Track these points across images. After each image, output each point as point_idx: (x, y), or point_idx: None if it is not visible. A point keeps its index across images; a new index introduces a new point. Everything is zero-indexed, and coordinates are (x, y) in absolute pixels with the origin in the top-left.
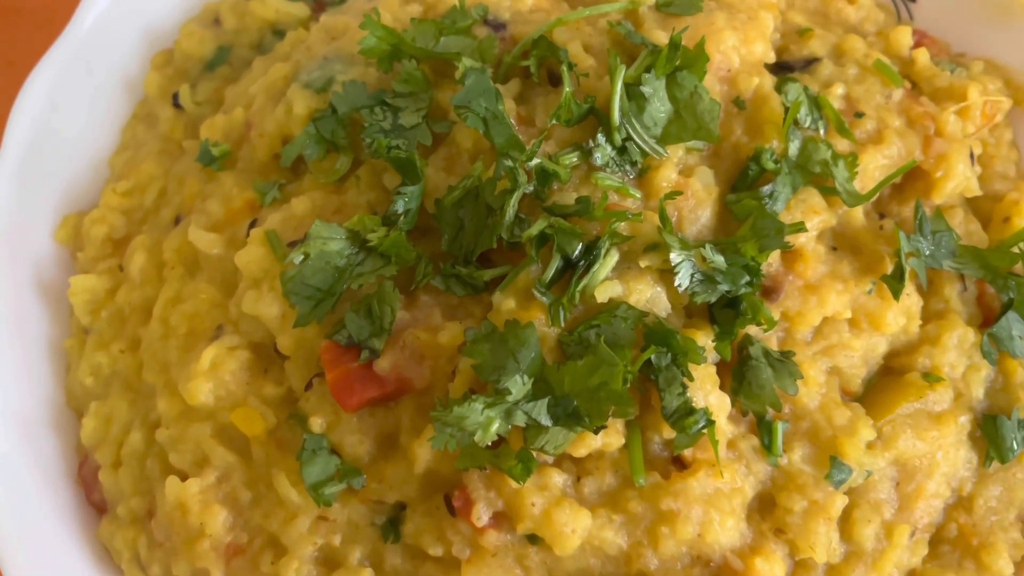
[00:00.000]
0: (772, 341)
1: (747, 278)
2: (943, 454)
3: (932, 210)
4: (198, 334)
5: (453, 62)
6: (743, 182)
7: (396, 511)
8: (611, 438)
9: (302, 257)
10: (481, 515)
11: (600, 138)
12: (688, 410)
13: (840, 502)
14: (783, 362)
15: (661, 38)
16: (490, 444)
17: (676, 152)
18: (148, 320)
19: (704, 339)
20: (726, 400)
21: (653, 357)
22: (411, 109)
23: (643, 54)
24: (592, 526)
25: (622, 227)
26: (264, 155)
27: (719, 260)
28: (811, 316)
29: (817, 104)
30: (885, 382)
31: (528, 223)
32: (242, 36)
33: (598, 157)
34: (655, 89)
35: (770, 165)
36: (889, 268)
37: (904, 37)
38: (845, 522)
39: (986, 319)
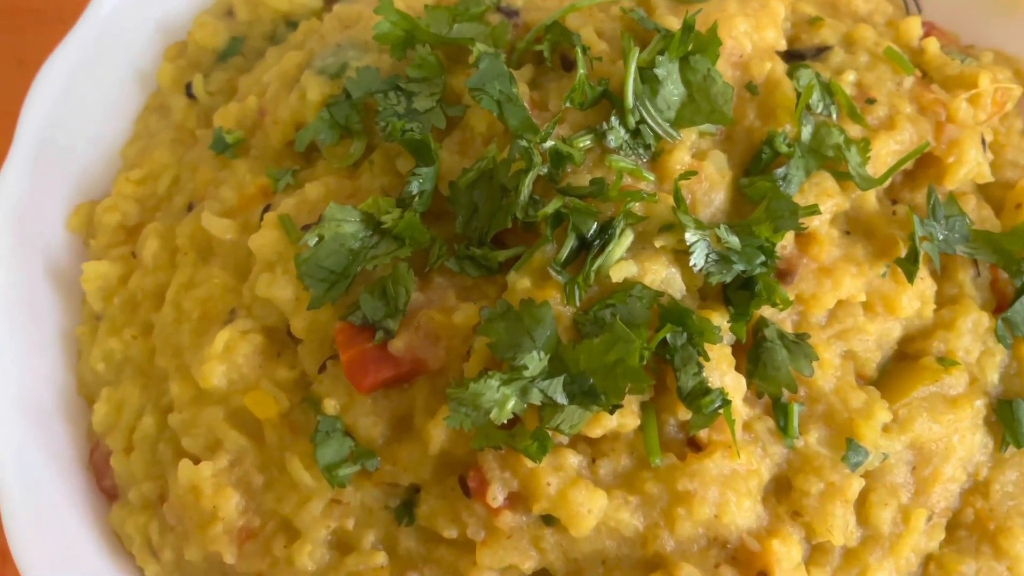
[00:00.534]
0: (787, 325)
1: (762, 258)
2: (959, 438)
3: (944, 196)
4: (211, 318)
5: (467, 48)
6: (756, 166)
7: (410, 494)
8: (626, 419)
9: (316, 239)
10: (496, 495)
11: (614, 121)
12: (704, 390)
13: (857, 485)
14: (798, 344)
15: (673, 24)
16: (505, 424)
17: (689, 136)
18: (161, 306)
19: (719, 320)
20: (742, 381)
21: (668, 336)
22: (425, 94)
23: (656, 38)
24: (608, 507)
25: (637, 207)
26: (278, 142)
27: (734, 240)
28: (826, 299)
29: (829, 90)
30: (900, 367)
31: (542, 204)
32: (255, 27)
33: (612, 140)
34: (668, 72)
35: (783, 148)
36: (903, 252)
37: (914, 27)
38: (862, 506)
39: (1000, 304)
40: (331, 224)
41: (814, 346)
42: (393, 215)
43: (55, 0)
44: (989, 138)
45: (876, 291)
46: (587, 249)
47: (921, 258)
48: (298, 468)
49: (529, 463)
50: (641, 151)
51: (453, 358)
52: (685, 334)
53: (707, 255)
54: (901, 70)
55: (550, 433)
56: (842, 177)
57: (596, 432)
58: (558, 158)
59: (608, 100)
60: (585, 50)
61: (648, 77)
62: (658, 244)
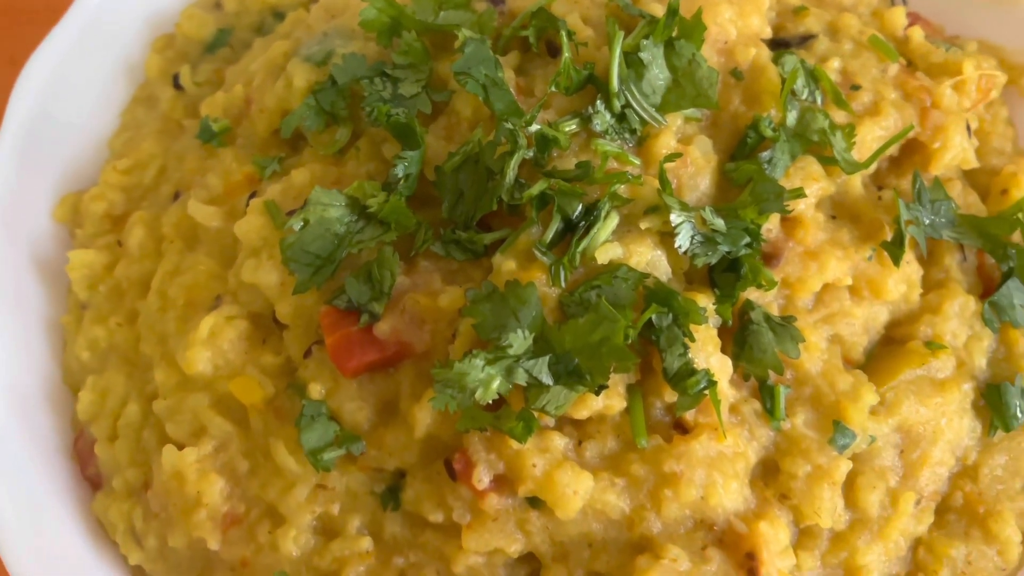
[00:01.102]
0: (773, 308)
1: (747, 239)
2: (947, 421)
3: (930, 181)
4: (196, 305)
5: (453, 35)
6: (742, 151)
7: (396, 479)
8: (612, 400)
9: (301, 224)
10: (482, 477)
11: (599, 105)
12: (690, 371)
13: (844, 467)
14: (785, 326)
15: (658, 10)
16: (491, 405)
17: (675, 121)
18: (146, 294)
19: (705, 301)
20: (728, 363)
21: (654, 317)
22: (411, 79)
23: (641, 24)
24: (594, 489)
25: (622, 190)
26: (264, 130)
27: (719, 223)
28: (812, 282)
29: (814, 76)
30: (887, 351)
31: (528, 187)
32: (243, 19)
33: (597, 124)
34: (653, 56)
35: (768, 133)
36: (889, 236)
37: (899, 17)
38: (850, 489)
39: (986, 289)
40: (316, 208)
41: (800, 329)
42: (378, 199)
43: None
44: (974, 125)
45: (862, 275)
46: (572, 231)
47: (907, 242)
48: (283, 454)
49: (515, 444)
50: (627, 136)
51: (439, 341)
52: (670, 315)
53: (692, 237)
54: (886, 57)
55: (536, 414)
56: (827, 162)
57: (582, 413)
58: (544, 142)
59: (594, 85)
60: (571, 35)
61: (633, 62)
62: (643, 226)
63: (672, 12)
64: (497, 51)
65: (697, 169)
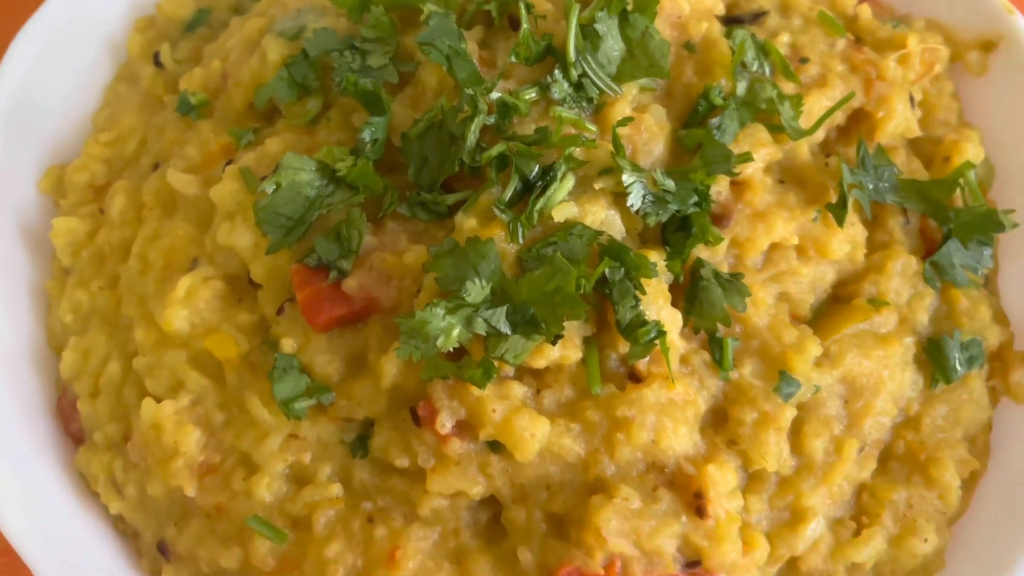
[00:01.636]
0: (724, 267)
1: (695, 199)
2: (889, 373)
3: (874, 148)
4: (174, 267)
5: (419, 11)
6: (694, 119)
7: (364, 428)
8: (569, 351)
9: (274, 187)
10: (445, 423)
11: (557, 74)
12: (640, 322)
13: (789, 413)
14: (732, 282)
15: None
16: (453, 354)
17: (630, 90)
18: (127, 258)
19: (656, 258)
20: (678, 316)
21: (607, 272)
22: (379, 52)
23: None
24: (551, 433)
25: (578, 153)
26: (240, 104)
27: (669, 183)
28: (759, 241)
29: (764, 50)
30: (834, 308)
31: (489, 150)
32: None
33: (555, 92)
34: (608, 28)
35: (718, 101)
36: (834, 199)
37: None
38: (796, 436)
39: (929, 250)
40: (288, 172)
41: (749, 286)
42: (347, 163)
43: None
44: (918, 97)
45: (808, 235)
46: (530, 191)
47: (850, 204)
48: (257, 406)
49: (475, 391)
50: (585, 104)
51: (404, 296)
52: (622, 269)
53: (644, 196)
54: (833, 33)
55: (496, 363)
56: (775, 129)
57: (540, 363)
58: (504, 109)
59: (553, 56)
60: (529, 8)
61: (589, 33)
62: (598, 186)
63: None
64: (462, 25)
65: (651, 135)
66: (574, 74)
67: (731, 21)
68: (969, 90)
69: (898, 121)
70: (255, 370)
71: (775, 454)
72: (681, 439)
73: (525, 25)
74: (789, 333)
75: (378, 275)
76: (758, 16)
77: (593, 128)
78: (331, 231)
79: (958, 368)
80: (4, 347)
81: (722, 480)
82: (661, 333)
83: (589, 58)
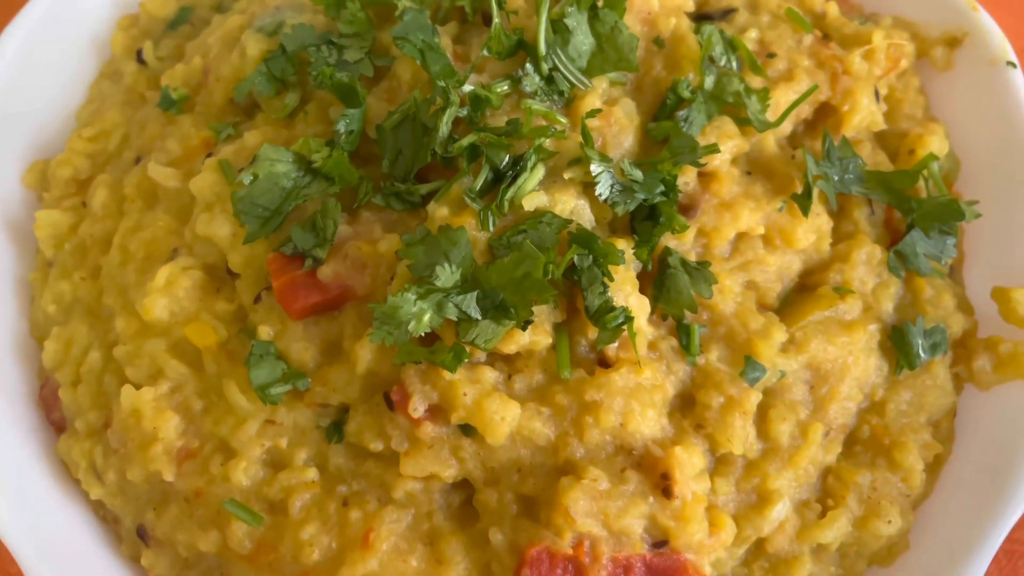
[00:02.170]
0: (692, 256)
1: (662, 188)
2: (854, 359)
3: (839, 140)
4: (155, 258)
5: (395, 7)
6: (663, 112)
7: (340, 414)
8: (539, 337)
9: (251, 178)
10: (417, 407)
11: (528, 68)
12: (608, 308)
13: (755, 398)
14: (699, 270)
15: None
16: (425, 340)
17: (600, 84)
18: (109, 250)
19: (624, 246)
20: (646, 302)
21: (576, 259)
22: (355, 47)
23: None
24: (521, 417)
25: (548, 144)
26: (220, 99)
27: (637, 173)
28: (726, 231)
29: (732, 45)
30: (800, 297)
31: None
32: None
33: (527, 85)
34: (578, 22)
35: (686, 94)
36: (800, 190)
37: None
38: (762, 421)
39: (893, 241)
40: (265, 163)
41: (716, 274)
42: (323, 154)
43: None
44: (884, 92)
45: (774, 224)
46: (501, 181)
47: (816, 195)
48: (235, 392)
49: (447, 375)
50: (556, 97)
51: (379, 284)
52: (591, 256)
53: (612, 186)
54: (801, 29)
55: (467, 348)
56: (742, 122)
57: (511, 348)
58: (477, 101)
59: (524, 51)
60: (501, 4)
61: (560, 28)
62: (567, 176)
63: None
64: (437, 21)
65: (621, 128)
66: (545, 68)
67: (701, 18)
68: (935, 85)
69: (863, 115)
70: (233, 358)
71: (741, 437)
72: (649, 422)
73: (496, 19)
74: (755, 320)
75: (353, 263)
76: (727, 13)
77: (564, 120)
78: (307, 221)
79: (921, 355)
80: None
81: (688, 462)
82: (629, 319)
83: (560, 52)
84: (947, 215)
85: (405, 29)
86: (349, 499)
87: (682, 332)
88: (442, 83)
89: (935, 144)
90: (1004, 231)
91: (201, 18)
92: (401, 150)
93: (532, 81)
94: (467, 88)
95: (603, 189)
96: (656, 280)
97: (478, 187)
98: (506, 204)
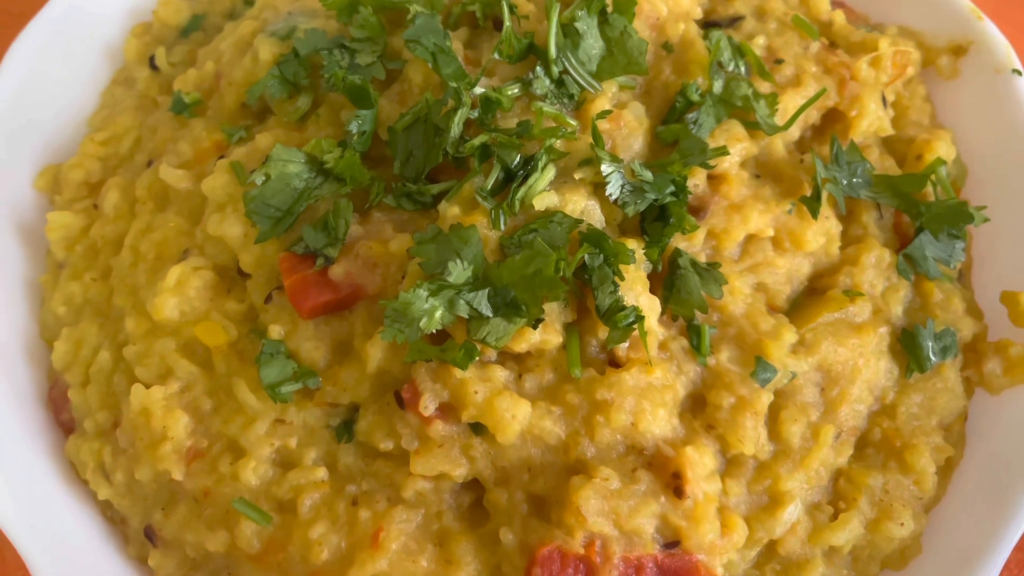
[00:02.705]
0: (701, 258)
1: (672, 188)
2: (864, 361)
3: (847, 145)
4: (165, 258)
5: (407, 11)
6: (672, 115)
7: (350, 413)
8: (550, 336)
9: (263, 178)
10: (428, 405)
11: (539, 71)
12: (619, 307)
13: (766, 399)
14: (709, 271)
15: None
16: (436, 337)
17: (610, 87)
18: (119, 251)
19: (635, 246)
20: (656, 302)
21: (587, 258)
22: (367, 51)
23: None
24: (532, 416)
25: (559, 144)
26: (232, 102)
27: (647, 174)
28: (735, 232)
29: (740, 50)
30: (809, 300)
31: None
32: (215, 5)
33: (537, 88)
34: (588, 27)
35: (695, 97)
36: (808, 193)
37: (823, 2)
38: (773, 423)
39: (902, 244)
40: (277, 164)
41: (726, 275)
42: (334, 155)
43: (35, 2)
44: (891, 98)
45: (783, 227)
46: (512, 180)
47: (825, 198)
48: (245, 391)
49: (458, 373)
50: (566, 101)
51: (389, 284)
52: (601, 256)
53: (622, 186)
54: (808, 36)
55: (478, 347)
56: (751, 126)
57: (521, 347)
58: (488, 104)
59: (535, 54)
60: (512, 8)
61: (570, 32)
62: (577, 177)
63: None
64: (448, 26)
65: (630, 131)
66: (555, 71)
67: (709, 25)
68: (941, 93)
69: (871, 120)
70: (243, 357)
71: (752, 438)
72: (660, 422)
73: (508, 23)
74: (765, 321)
75: (364, 262)
76: (735, 20)
77: (574, 123)
78: (318, 220)
79: (932, 357)
80: None
81: (700, 462)
82: (639, 318)
83: (570, 55)
84: (956, 218)
85: (417, 32)
86: (359, 498)
87: (692, 333)
88: (454, 84)
89: (943, 149)
90: (1012, 236)
91: (213, 25)
92: (412, 151)
93: (542, 84)
94: (478, 90)
95: (614, 189)
96: (666, 280)
97: (489, 186)
98: (517, 203)
